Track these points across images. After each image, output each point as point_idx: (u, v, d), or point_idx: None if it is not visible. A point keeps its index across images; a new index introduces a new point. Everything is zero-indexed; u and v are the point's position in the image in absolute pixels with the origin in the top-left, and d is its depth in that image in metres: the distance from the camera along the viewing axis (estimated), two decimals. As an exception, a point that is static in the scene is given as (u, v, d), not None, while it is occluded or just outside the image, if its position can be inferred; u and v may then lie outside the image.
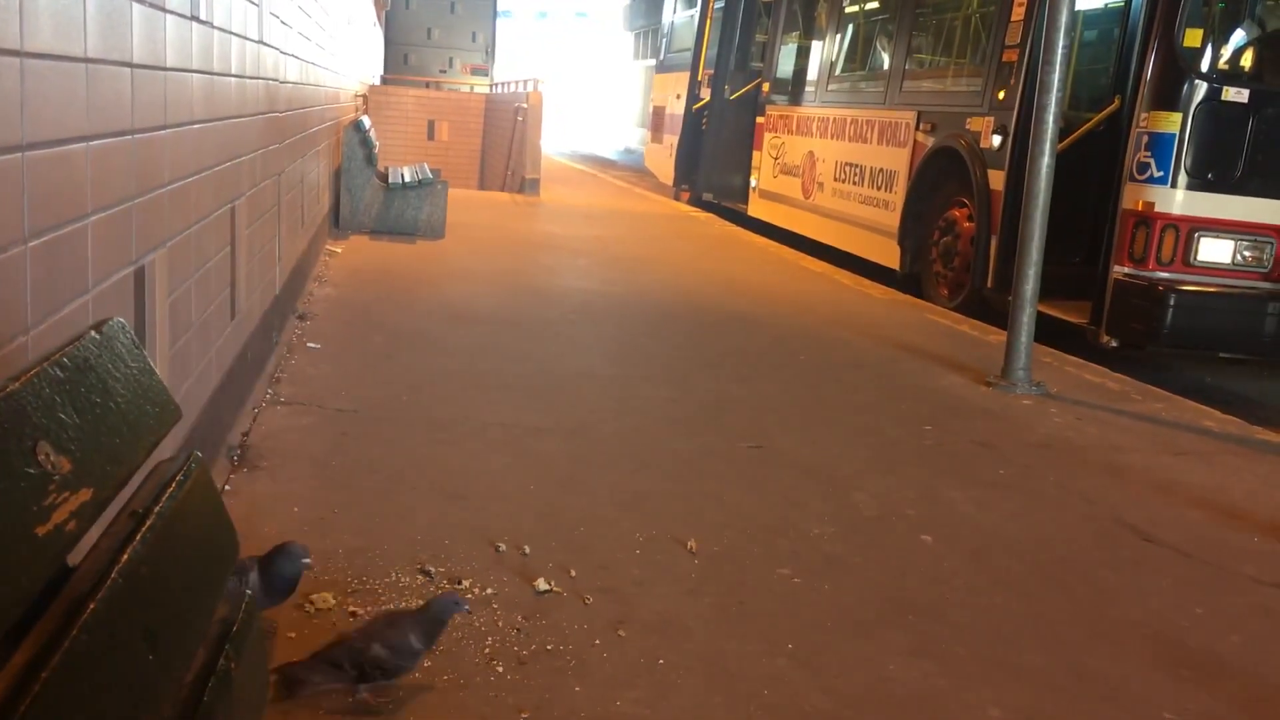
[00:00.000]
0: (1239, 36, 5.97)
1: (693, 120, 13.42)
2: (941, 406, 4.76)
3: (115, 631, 1.04)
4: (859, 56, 9.96)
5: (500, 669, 2.27)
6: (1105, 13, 7.51)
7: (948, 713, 2.29)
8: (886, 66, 9.08)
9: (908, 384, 5.14)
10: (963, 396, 4.96)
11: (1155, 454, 4.31)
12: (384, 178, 9.15)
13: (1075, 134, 6.39)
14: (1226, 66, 5.83)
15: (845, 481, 3.67)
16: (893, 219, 8.35)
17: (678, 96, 14.44)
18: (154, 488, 1.28)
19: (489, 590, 2.63)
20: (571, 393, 4.51)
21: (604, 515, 3.18)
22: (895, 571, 2.97)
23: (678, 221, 11.81)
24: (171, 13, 2.65)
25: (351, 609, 2.46)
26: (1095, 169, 6.40)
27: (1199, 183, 5.68)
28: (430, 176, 9.24)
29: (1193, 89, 5.65)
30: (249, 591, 2.20)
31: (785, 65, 11.41)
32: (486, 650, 2.35)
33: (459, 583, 2.64)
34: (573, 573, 2.76)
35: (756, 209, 11.66)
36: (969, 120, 7.37)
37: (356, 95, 11.28)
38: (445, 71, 22.07)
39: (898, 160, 8.39)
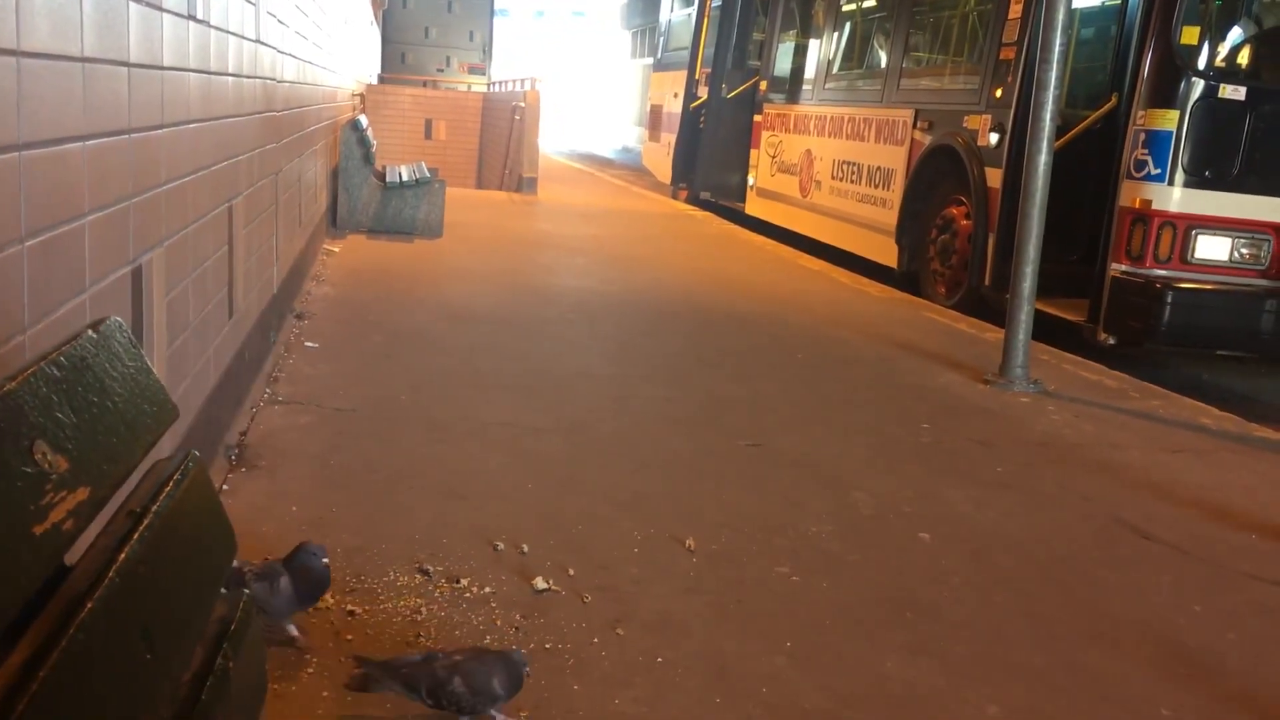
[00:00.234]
0: (1236, 34, 5.98)
1: (690, 119, 13.42)
2: (939, 405, 4.76)
3: (113, 630, 1.04)
4: (856, 55, 9.96)
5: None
6: (1102, 10, 7.51)
7: (946, 711, 2.29)
8: (884, 65, 9.09)
9: (905, 382, 5.14)
10: (961, 395, 4.97)
11: (1153, 451, 4.31)
12: (381, 177, 9.14)
13: (1072, 132, 6.40)
14: (1223, 64, 5.83)
15: (843, 480, 3.67)
16: (890, 217, 8.35)
17: (675, 95, 14.43)
18: (151, 487, 1.28)
19: (487, 589, 2.63)
20: (570, 392, 4.50)
21: (602, 514, 3.18)
22: (893, 570, 2.98)
23: (675, 220, 11.81)
24: (168, 12, 2.64)
25: (349, 608, 2.46)
26: (1093, 167, 6.40)
27: (1196, 180, 5.69)
28: (428, 175, 9.24)
29: (1190, 86, 5.65)
30: (275, 597, 2.20)
31: (783, 63, 11.41)
32: (485, 649, 2.35)
33: (457, 581, 2.64)
34: (571, 571, 2.76)
35: (754, 207, 11.66)
36: (966, 118, 7.37)
37: (354, 94, 11.27)
38: (443, 70, 22.05)
39: (895, 158, 8.40)
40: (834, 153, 9.62)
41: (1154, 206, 5.71)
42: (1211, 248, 5.72)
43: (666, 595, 2.69)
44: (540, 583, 2.67)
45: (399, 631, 2.39)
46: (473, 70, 22.15)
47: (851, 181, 9.20)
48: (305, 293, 5.97)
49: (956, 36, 8.20)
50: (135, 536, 1.15)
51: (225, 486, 3.12)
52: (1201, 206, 5.70)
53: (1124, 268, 5.84)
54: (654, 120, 16.41)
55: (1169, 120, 5.67)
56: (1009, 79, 6.94)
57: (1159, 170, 5.70)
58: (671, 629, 2.52)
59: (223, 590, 1.42)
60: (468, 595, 2.58)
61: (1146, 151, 5.74)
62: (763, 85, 11.66)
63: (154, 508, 1.22)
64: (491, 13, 23.02)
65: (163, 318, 2.61)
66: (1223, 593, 3.02)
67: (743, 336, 5.92)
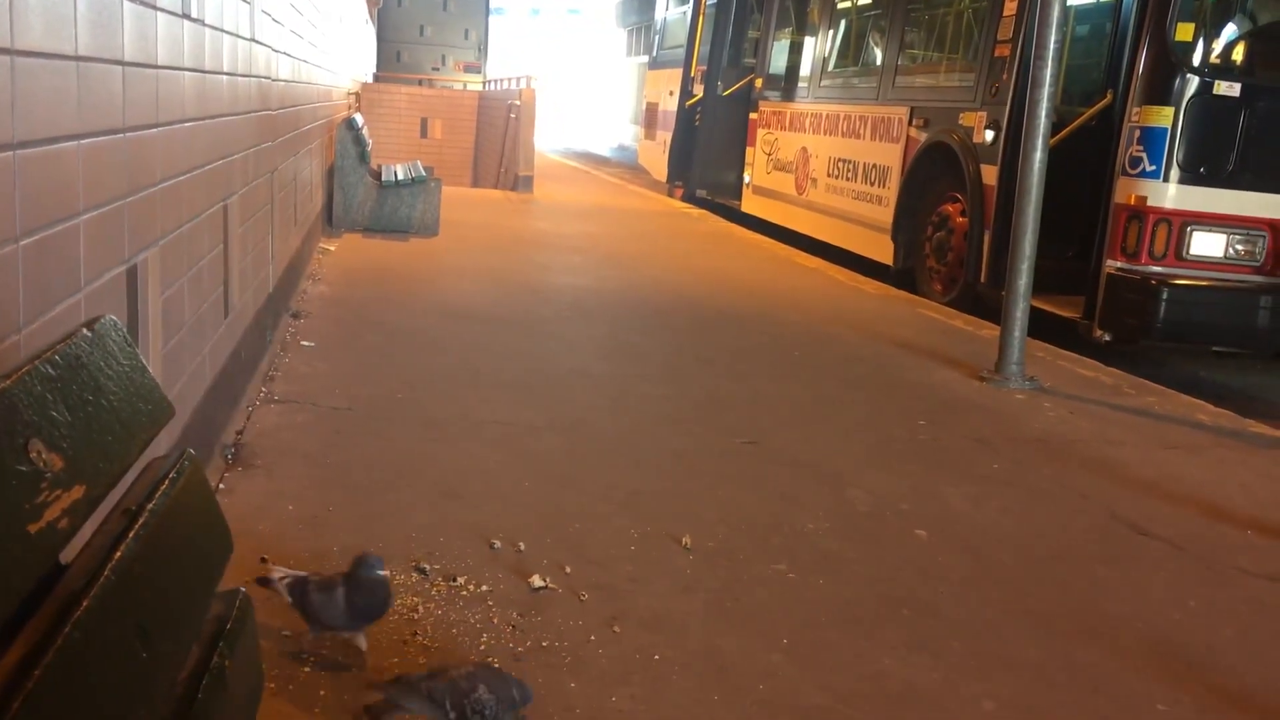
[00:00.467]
0: (1231, 30, 5.99)
1: (686, 117, 13.42)
2: (935, 402, 4.77)
3: (108, 629, 1.03)
4: (851, 52, 9.96)
5: (496, 665, 2.26)
6: (1097, 7, 7.52)
7: (942, 706, 2.30)
8: (879, 62, 9.09)
9: (902, 379, 5.14)
10: (956, 391, 4.97)
11: (1148, 448, 4.32)
12: (377, 175, 9.13)
13: (1068, 128, 6.40)
14: (1218, 60, 5.84)
15: (840, 477, 3.67)
16: (886, 214, 8.35)
17: (671, 93, 14.43)
18: (147, 485, 1.27)
19: (484, 587, 2.63)
20: (566, 390, 4.50)
21: (599, 512, 3.19)
22: (890, 567, 2.98)
23: (671, 218, 11.81)
24: (163, 10, 2.64)
25: (346, 607, 2.46)
26: (1088, 163, 6.40)
27: (1191, 177, 5.70)
28: (423, 174, 9.23)
29: (1185, 83, 5.66)
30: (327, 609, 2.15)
31: (778, 61, 11.41)
32: (482, 647, 2.35)
33: (454, 579, 2.64)
34: (568, 569, 2.76)
35: (750, 205, 11.66)
36: (962, 115, 7.37)
37: (349, 93, 11.26)
38: (438, 69, 22.05)
39: (891, 156, 8.40)
40: (829, 150, 9.62)
41: (1149, 203, 5.72)
42: (1206, 244, 5.73)
43: (663, 593, 2.69)
44: (537, 581, 2.67)
45: (395, 630, 2.39)
46: (468, 69, 22.15)
47: (847, 179, 9.21)
48: (301, 292, 5.96)
49: (951, 34, 8.20)
50: (131, 535, 1.14)
51: (222, 485, 3.12)
52: (1196, 203, 5.71)
53: (1119, 264, 5.85)
54: (650, 118, 16.41)
55: (1164, 117, 5.68)
56: (1004, 76, 6.95)
57: (1154, 167, 5.70)
58: (668, 627, 2.52)
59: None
60: (464, 593, 2.58)
61: (1141, 148, 5.75)
62: (758, 83, 11.66)
63: (150, 506, 1.22)
64: (487, 11, 23.03)
65: (158, 317, 2.61)
66: (1218, 588, 3.03)
67: (739, 334, 5.92)
